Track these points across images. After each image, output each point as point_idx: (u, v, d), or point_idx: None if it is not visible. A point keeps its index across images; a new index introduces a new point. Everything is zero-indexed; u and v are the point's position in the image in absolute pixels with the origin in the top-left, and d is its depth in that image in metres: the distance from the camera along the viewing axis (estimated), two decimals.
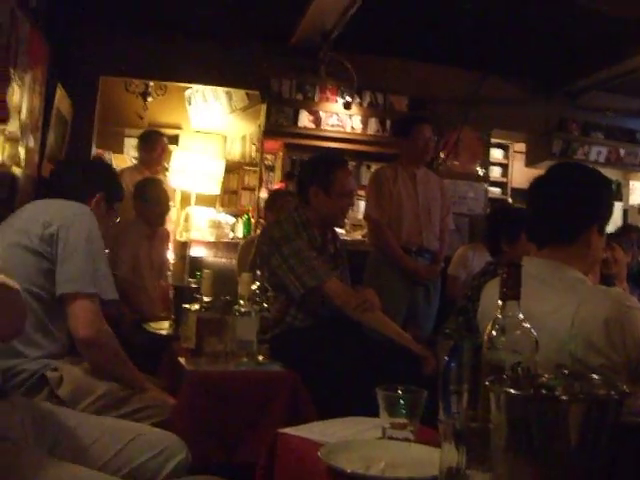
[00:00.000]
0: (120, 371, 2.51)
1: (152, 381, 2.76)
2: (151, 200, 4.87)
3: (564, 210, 2.14)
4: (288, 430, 1.79)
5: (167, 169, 7.10)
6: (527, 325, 1.41)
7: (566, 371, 1.22)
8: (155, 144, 6.30)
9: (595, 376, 1.18)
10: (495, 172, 8.77)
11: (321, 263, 3.44)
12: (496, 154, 8.71)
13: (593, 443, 1.04)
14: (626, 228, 5.54)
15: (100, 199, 2.74)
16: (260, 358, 2.80)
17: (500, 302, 1.43)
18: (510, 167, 9.02)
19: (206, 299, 2.97)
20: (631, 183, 8.65)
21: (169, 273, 5.74)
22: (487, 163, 7.63)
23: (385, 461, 1.47)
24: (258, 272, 3.06)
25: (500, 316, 1.42)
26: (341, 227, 4.38)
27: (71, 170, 2.91)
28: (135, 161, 7.14)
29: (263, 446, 1.82)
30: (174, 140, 8.54)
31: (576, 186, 2.16)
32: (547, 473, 1.04)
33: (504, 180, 9.03)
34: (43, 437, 1.83)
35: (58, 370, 2.36)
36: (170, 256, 6.04)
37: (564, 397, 1.08)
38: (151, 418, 2.38)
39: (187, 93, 8.20)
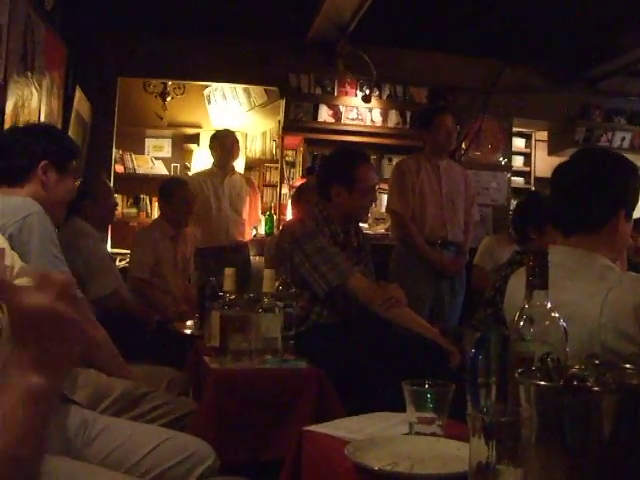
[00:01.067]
0: (108, 362, 2.48)
1: (174, 373, 2.78)
2: (177, 200, 4.88)
3: (590, 197, 2.10)
4: (313, 427, 1.76)
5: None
6: (556, 315, 1.38)
7: (597, 361, 1.19)
8: (225, 141, 6.29)
9: (627, 365, 1.14)
10: (518, 161, 8.69)
11: (344, 259, 3.40)
12: (518, 143, 8.63)
13: (627, 434, 1.00)
14: None
15: (46, 167, 2.46)
16: (285, 355, 2.78)
17: (527, 291, 1.40)
18: (533, 156, 8.92)
19: (230, 297, 2.96)
20: None
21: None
22: (509, 152, 7.55)
23: (413, 457, 1.44)
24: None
25: (527, 306, 1.38)
26: (364, 222, 4.34)
27: (3, 149, 2.50)
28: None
29: (289, 444, 1.80)
30: (195, 139, 8.57)
31: (601, 172, 2.12)
32: (580, 466, 1.01)
33: (527, 169, 8.94)
34: (68, 440, 1.82)
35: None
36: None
37: (596, 388, 1.04)
38: (168, 415, 2.38)
39: (206, 92, 8.19)
